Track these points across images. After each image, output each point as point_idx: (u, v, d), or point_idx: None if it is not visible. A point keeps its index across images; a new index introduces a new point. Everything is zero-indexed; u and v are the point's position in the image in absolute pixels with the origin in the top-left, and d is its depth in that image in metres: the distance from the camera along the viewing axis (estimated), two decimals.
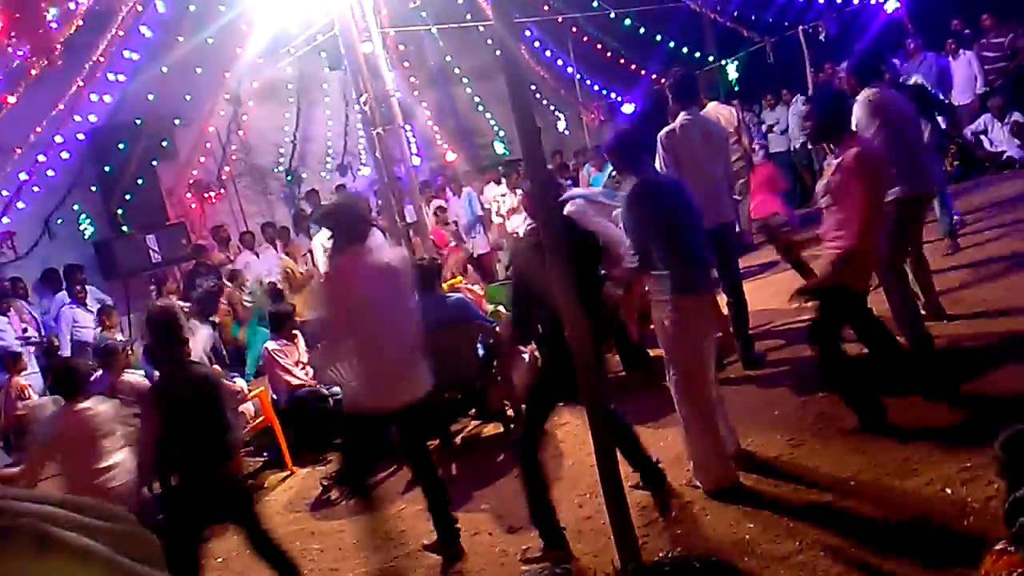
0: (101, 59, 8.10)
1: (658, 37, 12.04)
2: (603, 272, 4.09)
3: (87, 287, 9.50)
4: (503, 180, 11.54)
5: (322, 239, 9.82)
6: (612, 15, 11.43)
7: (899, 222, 4.98)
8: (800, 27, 11.03)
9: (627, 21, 11.59)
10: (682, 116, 5.56)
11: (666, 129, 5.59)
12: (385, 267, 3.97)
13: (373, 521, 4.30)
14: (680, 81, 5.80)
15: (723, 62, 12.32)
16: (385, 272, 3.95)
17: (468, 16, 11.34)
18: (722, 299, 5.33)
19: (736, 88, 13.03)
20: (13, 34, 5.70)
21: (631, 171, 4.02)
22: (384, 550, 4.48)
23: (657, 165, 5.26)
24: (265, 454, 6.45)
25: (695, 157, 5.43)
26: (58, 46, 6.45)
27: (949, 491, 3.46)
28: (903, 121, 5.14)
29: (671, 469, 4.35)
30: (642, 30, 11.74)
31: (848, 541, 3.33)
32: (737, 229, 6.64)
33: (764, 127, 12.22)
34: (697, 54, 12.91)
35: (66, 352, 8.53)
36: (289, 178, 13.04)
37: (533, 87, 13.84)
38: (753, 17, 11.86)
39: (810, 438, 4.34)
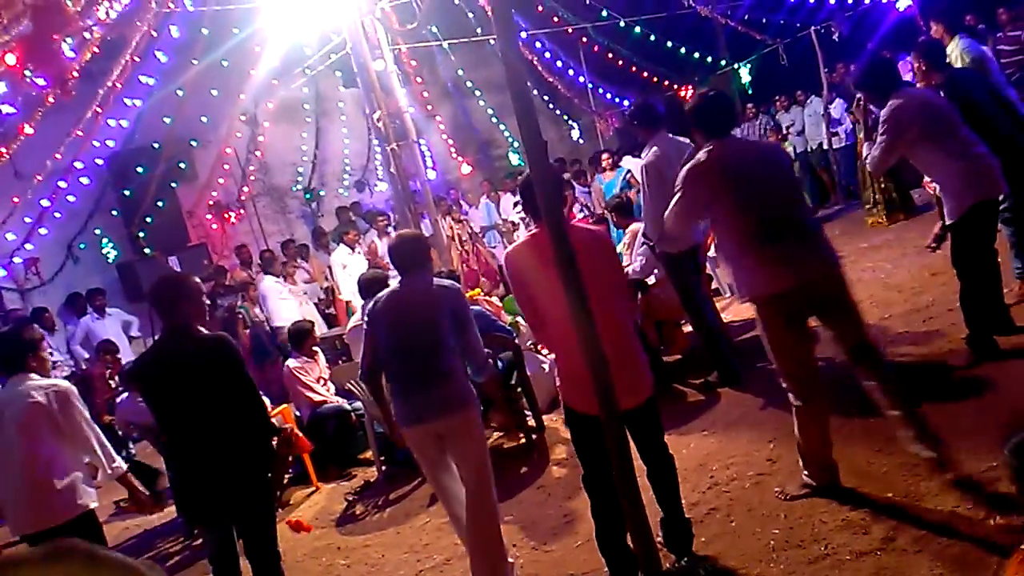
0: (117, 85, 8.24)
1: (669, 44, 12.05)
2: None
3: (112, 309, 9.65)
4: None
5: (340, 256, 9.91)
6: (622, 24, 11.46)
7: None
8: (812, 28, 10.99)
9: (637, 29, 11.61)
10: (653, 151, 5.57)
11: (643, 163, 5.62)
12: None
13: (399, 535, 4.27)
14: (641, 110, 5.83)
15: (735, 65, 12.29)
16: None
17: (479, 31, 11.41)
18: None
19: (750, 91, 13.00)
20: (30, 65, 5.80)
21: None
22: (410, 564, 4.50)
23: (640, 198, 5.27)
24: (291, 470, 6.48)
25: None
26: (74, 75, 6.56)
27: (973, 494, 3.41)
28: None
29: (693, 476, 4.33)
30: (652, 37, 11.77)
31: (874, 545, 3.29)
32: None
33: (785, 128, 12.15)
34: (709, 59, 12.92)
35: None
36: (308, 196, 13.16)
37: (546, 98, 13.91)
38: (764, 20, 11.85)
39: (833, 441, 4.29)
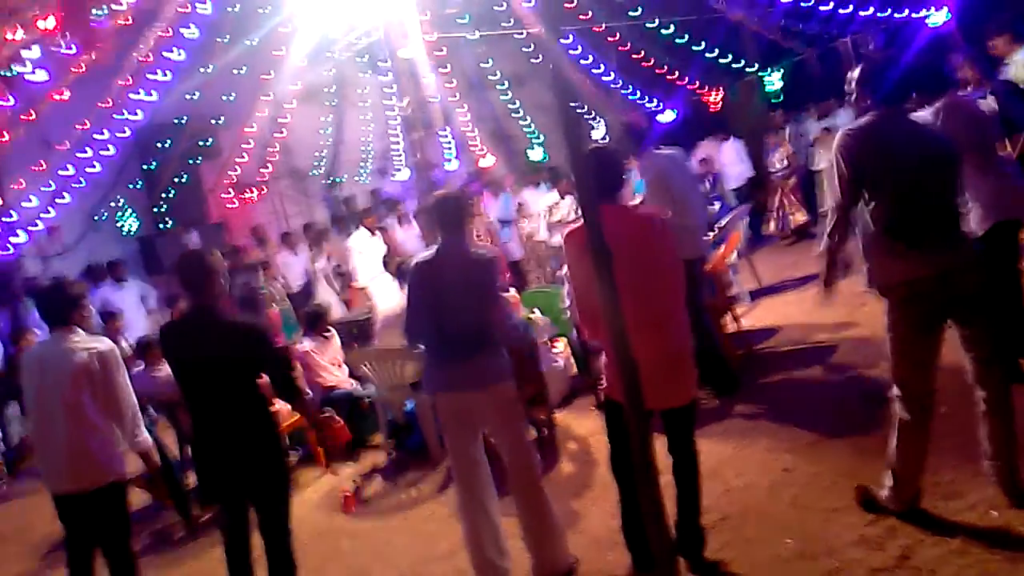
0: (147, 58, 8.25)
1: (699, 46, 11.98)
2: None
3: (131, 279, 9.70)
4: (544, 185, 11.54)
5: (358, 241, 9.91)
6: (655, 22, 11.39)
7: None
8: (848, 37, 10.89)
9: (668, 30, 11.54)
10: (653, 170, 5.55)
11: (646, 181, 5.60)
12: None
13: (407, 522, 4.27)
14: (629, 132, 5.91)
15: (765, 72, 12.21)
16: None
17: (509, 21, 11.36)
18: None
19: (779, 99, 12.91)
20: (66, 32, 5.82)
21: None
22: (415, 551, 4.49)
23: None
24: (299, 450, 6.49)
25: (682, 191, 5.48)
26: (108, 43, 6.58)
27: (995, 513, 3.37)
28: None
29: (706, 482, 4.23)
30: (682, 39, 11.70)
31: (888, 562, 3.25)
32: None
33: (811, 137, 12.08)
34: (739, 64, 12.84)
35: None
36: (330, 180, 13.18)
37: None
38: (796, 28, 11.76)
39: (850, 454, 4.26)
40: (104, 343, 3.84)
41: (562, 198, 10.93)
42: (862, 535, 3.48)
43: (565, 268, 6.30)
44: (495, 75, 13.40)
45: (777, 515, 3.87)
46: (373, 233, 9.81)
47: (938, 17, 10.75)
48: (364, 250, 9.67)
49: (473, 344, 3.62)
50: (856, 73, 3.56)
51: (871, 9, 11.17)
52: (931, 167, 3.30)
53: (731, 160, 12.78)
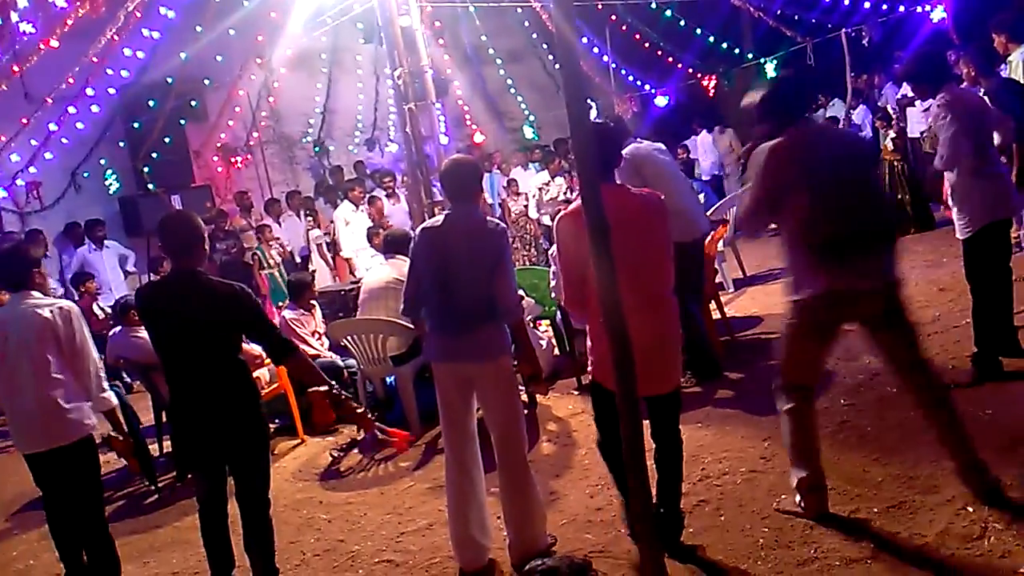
0: (137, 14, 8.08)
1: (698, 31, 11.89)
2: None
3: (110, 241, 9.56)
4: (534, 165, 11.46)
5: (344, 212, 9.83)
6: (653, 5, 11.29)
7: None
8: (843, 30, 10.84)
9: (668, 12, 11.45)
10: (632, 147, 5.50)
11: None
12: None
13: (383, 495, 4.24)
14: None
15: (761, 60, 12.16)
16: None
17: None
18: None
19: None
20: None
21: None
22: (391, 525, 4.47)
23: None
24: (277, 421, 6.44)
25: (662, 177, 5.44)
26: None
27: (971, 509, 3.39)
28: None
29: (684, 467, 4.23)
30: (682, 23, 11.61)
31: (864, 553, 3.26)
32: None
33: None
34: (736, 50, 12.76)
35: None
36: (317, 149, 13.03)
37: None
38: (796, 17, 11.70)
39: (828, 448, 4.26)
40: (64, 302, 3.83)
41: (553, 178, 10.88)
42: (838, 525, 3.48)
43: (554, 248, 6.25)
44: (491, 51, 13.26)
45: (754, 502, 3.87)
46: (358, 206, 9.74)
47: (936, 13, 10.73)
48: (350, 220, 9.61)
49: (476, 315, 3.55)
50: (757, 100, 3.54)
51: (869, 2, 11.16)
52: (849, 174, 3.33)
53: (703, 152, 12.99)
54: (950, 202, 4.73)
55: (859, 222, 3.31)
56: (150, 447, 6.05)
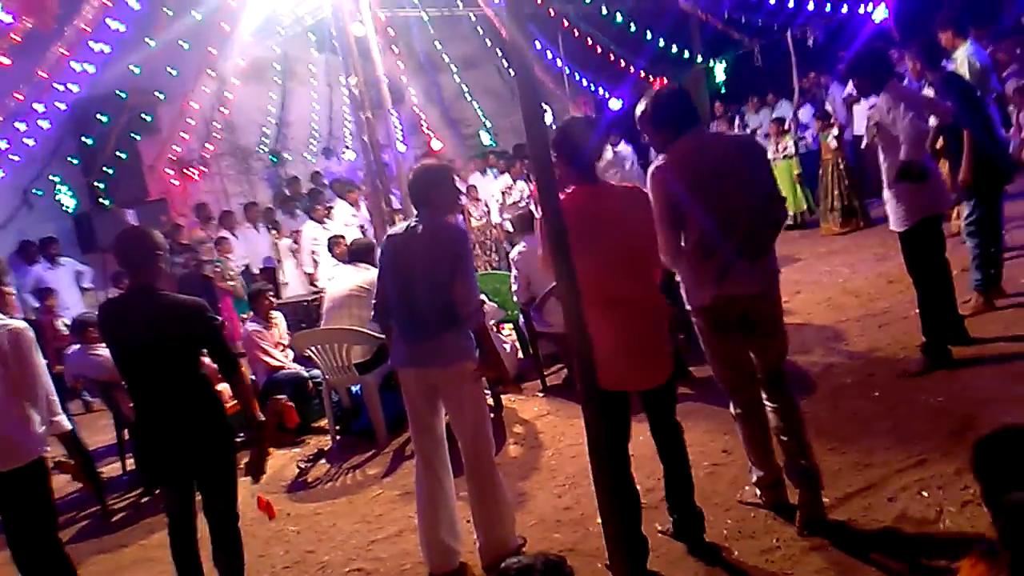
0: (86, 28, 7.96)
1: (648, 35, 12.07)
2: None
3: (65, 259, 9.42)
4: (492, 171, 11.51)
5: (311, 232, 9.76)
6: (604, 11, 11.43)
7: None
8: (789, 32, 11.10)
9: (619, 17, 11.60)
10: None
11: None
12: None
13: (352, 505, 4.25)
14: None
15: (710, 63, 12.39)
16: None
17: (459, 4, 11.28)
18: None
19: (723, 90, 13.10)
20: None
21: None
22: (361, 534, 4.48)
23: None
24: (241, 435, 6.39)
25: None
26: (47, 10, 6.33)
27: (926, 494, 3.51)
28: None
29: (648, 463, 4.25)
30: (633, 27, 11.77)
31: (824, 540, 3.37)
32: None
33: (747, 130, 12.31)
34: (685, 54, 12.97)
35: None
36: (274, 159, 12.94)
37: None
38: (743, 19, 11.93)
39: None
40: (17, 322, 3.68)
41: (515, 182, 10.94)
42: (798, 515, 3.58)
43: (514, 251, 6.29)
44: (446, 58, 13.31)
45: (717, 495, 3.97)
46: (323, 223, 9.72)
47: (879, 13, 11.03)
48: (318, 237, 9.52)
49: (438, 320, 3.59)
50: (639, 113, 3.52)
51: (813, 4, 11.42)
52: (732, 183, 3.31)
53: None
54: (885, 195, 4.86)
55: (743, 230, 3.32)
56: (113, 465, 5.98)
